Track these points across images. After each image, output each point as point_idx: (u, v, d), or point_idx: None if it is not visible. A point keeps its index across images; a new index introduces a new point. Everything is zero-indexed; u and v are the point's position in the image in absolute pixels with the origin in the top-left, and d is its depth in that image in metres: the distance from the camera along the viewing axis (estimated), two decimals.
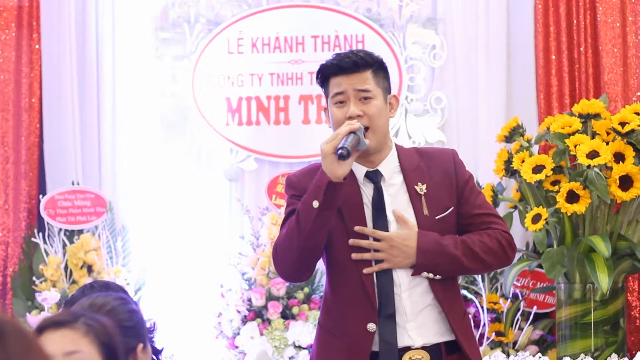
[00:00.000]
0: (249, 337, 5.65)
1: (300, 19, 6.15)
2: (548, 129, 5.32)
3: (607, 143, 5.12)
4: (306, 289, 5.75)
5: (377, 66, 3.29)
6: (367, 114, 3.21)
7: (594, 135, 5.23)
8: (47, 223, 5.97)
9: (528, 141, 5.40)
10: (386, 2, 6.13)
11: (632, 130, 5.14)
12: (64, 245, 5.90)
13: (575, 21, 6.01)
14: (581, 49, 6.00)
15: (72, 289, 5.68)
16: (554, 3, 6.02)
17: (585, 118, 5.26)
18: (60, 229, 5.96)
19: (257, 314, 5.72)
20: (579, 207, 5.01)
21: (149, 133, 6.18)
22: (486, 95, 6.02)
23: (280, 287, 5.69)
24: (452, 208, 3.27)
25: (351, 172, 3.18)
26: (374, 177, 3.27)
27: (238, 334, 5.70)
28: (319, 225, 3.11)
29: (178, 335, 5.95)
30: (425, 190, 3.25)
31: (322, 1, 6.18)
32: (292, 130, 6.11)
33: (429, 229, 3.22)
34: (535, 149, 5.51)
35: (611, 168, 5.08)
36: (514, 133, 5.43)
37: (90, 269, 5.87)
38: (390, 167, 3.29)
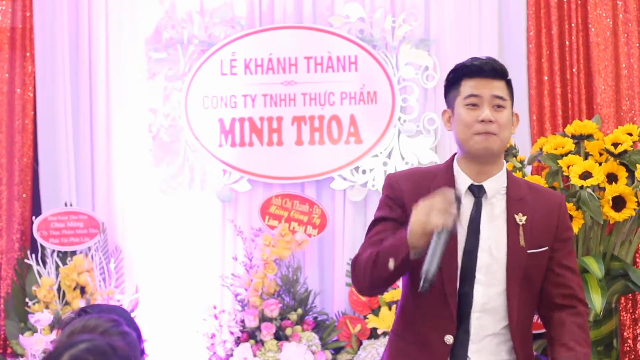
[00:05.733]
0: (242, 358, 5.64)
1: (293, 40, 6.16)
2: (541, 149, 5.33)
3: (600, 164, 5.14)
4: (299, 310, 5.74)
5: (509, 80, 3.26)
6: (499, 122, 3.17)
7: (586, 156, 5.24)
8: (40, 244, 5.96)
9: (521, 162, 5.41)
10: (379, 23, 6.15)
11: (625, 151, 5.15)
12: (57, 267, 5.89)
13: (567, 42, 6.04)
14: (574, 70, 6.02)
15: (65, 311, 5.66)
16: (547, 24, 6.05)
17: (578, 139, 5.27)
18: (54, 251, 5.95)
19: (251, 335, 5.71)
20: (572, 228, 5.01)
21: (142, 154, 6.18)
22: None
23: (273, 308, 5.68)
24: (546, 248, 3.24)
25: (452, 183, 3.17)
26: (477, 191, 3.22)
27: (231, 355, 5.69)
28: (391, 278, 3.13)
29: (171, 356, 5.94)
30: (524, 222, 3.21)
31: (314, 22, 6.19)
32: (285, 151, 6.11)
33: (519, 261, 3.19)
34: (528, 169, 5.52)
35: (604, 189, 5.09)
36: (507, 154, 5.43)
37: (83, 291, 5.85)
38: (495, 187, 3.23)
